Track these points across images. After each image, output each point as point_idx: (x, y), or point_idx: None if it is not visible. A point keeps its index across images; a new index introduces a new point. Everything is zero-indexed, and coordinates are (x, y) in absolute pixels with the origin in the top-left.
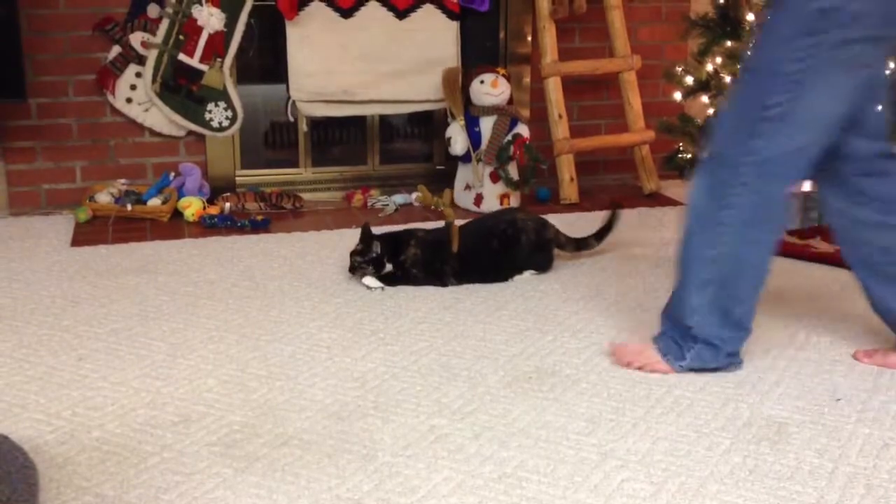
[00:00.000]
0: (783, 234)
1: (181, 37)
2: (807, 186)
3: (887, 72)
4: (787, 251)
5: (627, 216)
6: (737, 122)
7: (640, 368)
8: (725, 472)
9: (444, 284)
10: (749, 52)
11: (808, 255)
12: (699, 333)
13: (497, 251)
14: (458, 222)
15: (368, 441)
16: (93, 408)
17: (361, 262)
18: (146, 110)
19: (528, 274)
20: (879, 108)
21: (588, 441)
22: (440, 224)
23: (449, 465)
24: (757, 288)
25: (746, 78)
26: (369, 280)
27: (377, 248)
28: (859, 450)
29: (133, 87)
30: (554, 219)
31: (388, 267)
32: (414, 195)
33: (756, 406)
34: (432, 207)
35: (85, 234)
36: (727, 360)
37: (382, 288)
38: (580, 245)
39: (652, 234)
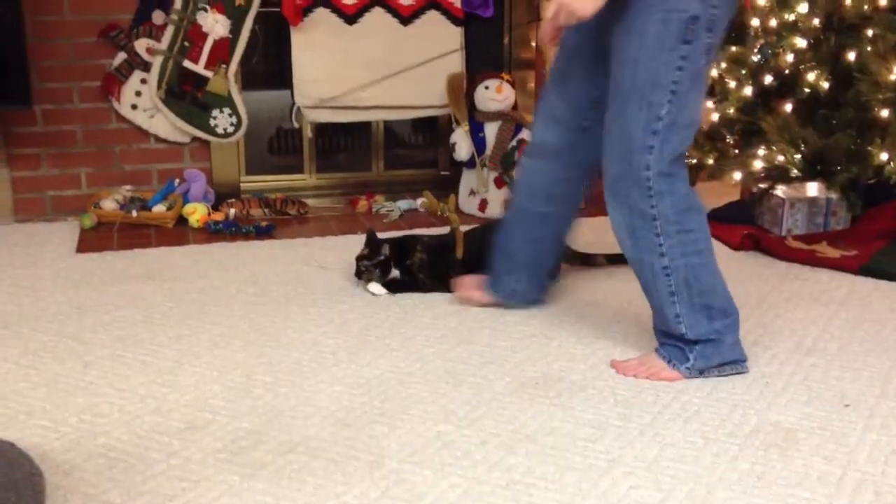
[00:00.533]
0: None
1: (186, 43)
2: (811, 191)
3: None
4: (793, 256)
5: None
6: (626, 144)
7: (647, 378)
8: (734, 478)
9: (449, 290)
10: (624, 67)
11: (813, 260)
12: (694, 336)
13: None
14: (463, 228)
15: (375, 447)
16: (99, 414)
17: (369, 265)
18: (151, 117)
19: None
20: None
21: (595, 447)
22: (445, 230)
23: (456, 472)
24: (716, 271)
25: (633, 101)
26: (374, 287)
27: (386, 250)
28: (868, 456)
29: (138, 94)
30: None
31: (394, 273)
32: (419, 201)
33: (764, 412)
34: (438, 213)
35: (90, 241)
36: (732, 349)
37: (389, 294)
38: (586, 260)
39: None
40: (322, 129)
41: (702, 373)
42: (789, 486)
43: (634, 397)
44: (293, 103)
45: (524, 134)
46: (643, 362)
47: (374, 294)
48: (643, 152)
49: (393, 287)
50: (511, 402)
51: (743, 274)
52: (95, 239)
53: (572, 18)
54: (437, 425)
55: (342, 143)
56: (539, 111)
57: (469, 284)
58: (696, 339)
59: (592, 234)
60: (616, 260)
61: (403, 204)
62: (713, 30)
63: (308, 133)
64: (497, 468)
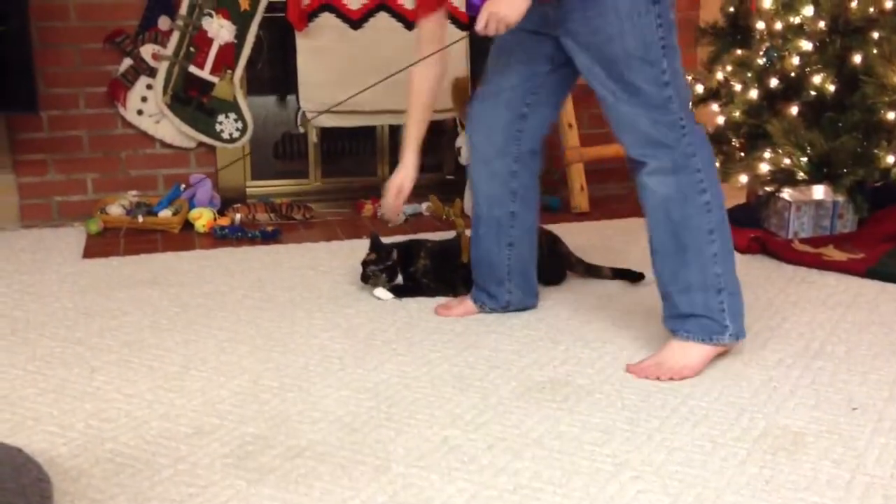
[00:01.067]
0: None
1: (192, 49)
2: (817, 194)
3: None
4: (800, 259)
5: (638, 224)
6: (646, 104)
7: (670, 379)
8: (742, 482)
9: (454, 294)
10: (612, 46)
11: (820, 263)
12: (726, 284)
13: None
14: (468, 232)
15: (382, 452)
16: (106, 420)
17: (376, 270)
18: (157, 122)
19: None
20: None
21: (603, 452)
22: (451, 234)
23: (463, 477)
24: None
25: (635, 69)
26: (381, 292)
27: (394, 255)
28: (876, 459)
29: (144, 100)
30: (565, 228)
31: (399, 278)
32: (424, 205)
33: (772, 416)
34: (443, 217)
35: (96, 246)
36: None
37: (395, 298)
38: (591, 270)
39: None
40: (327, 134)
41: (738, 338)
42: (798, 490)
43: (642, 401)
44: (298, 108)
45: None
46: (660, 363)
47: (379, 299)
48: (665, 103)
49: (399, 292)
50: (518, 407)
51: (750, 277)
52: (102, 244)
53: (502, 26)
54: (444, 430)
55: (347, 148)
56: (474, 116)
57: (456, 308)
58: (723, 287)
59: (598, 238)
60: (623, 275)
61: (408, 208)
62: None
63: (313, 138)
64: (504, 472)
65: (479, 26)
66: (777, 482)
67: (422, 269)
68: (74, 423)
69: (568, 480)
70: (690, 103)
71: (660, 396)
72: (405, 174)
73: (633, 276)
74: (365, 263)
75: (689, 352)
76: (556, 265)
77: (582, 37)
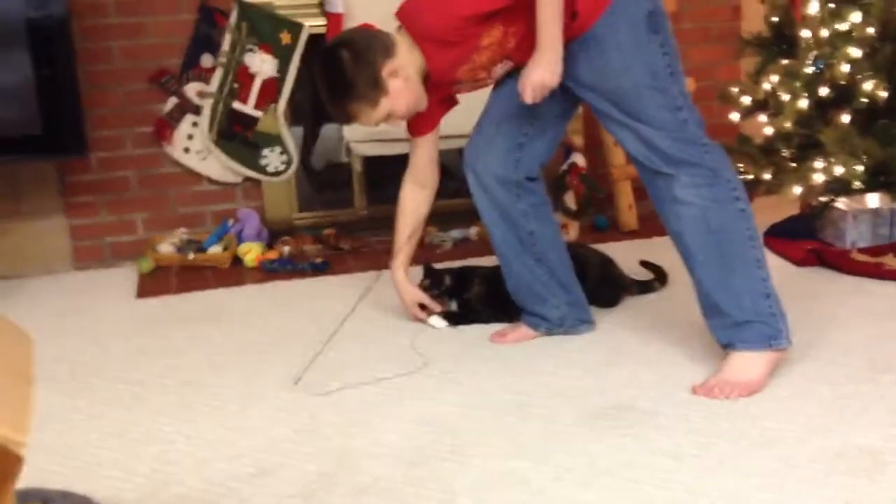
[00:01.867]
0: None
1: (235, 85)
2: (873, 202)
3: None
4: (859, 270)
5: None
6: (663, 130)
7: (739, 396)
8: None
9: (510, 320)
10: (620, 81)
11: (881, 273)
12: (771, 289)
13: None
14: None
15: (447, 486)
16: (170, 462)
17: (434, 294)
18: (203, 159)
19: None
20: None
21: (674, 479)
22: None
23: None
24: None
25: (646, 98)
26: (435, 320)
27: (448, 280)
28: None
29: (190, 137)
30: (614, 248)
31: (453, 305)
32: (471, 230)
33: (846, 435)
34: None
35: (149, 285)
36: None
37: (450, 326)
38: (644, 287)
39: None
40: (372, 162)
41: (791, 342)
42: None
43: (710, 424)
44: (342, 138)
45: (575, 157)
46: (725, 380)
47: (434, 327)
48: (682, 126)
49: (453, 319)
50: (582, 434)
51: (808, 290)
52: (154, 283)
53: (546, 90)
54: (509, 461)
55: (392, 175)
56: (471, 148)
57: (512, 335)
58: (770, 291)
59: (649, 255)
60: (663, 279)
61: (456, 233)
62: (665, 16)
63: (357, 167)
64: None
65: (528, 100)
66: None
67: (476, 295)
68: (138, 467)
69: None
70: (703, 125)
71: (727, 418)
72: (411, 297)
73: (658, 270)
74: (421, 289)
75: (751, 364)
76: (610, 288)
77: (587, 76)
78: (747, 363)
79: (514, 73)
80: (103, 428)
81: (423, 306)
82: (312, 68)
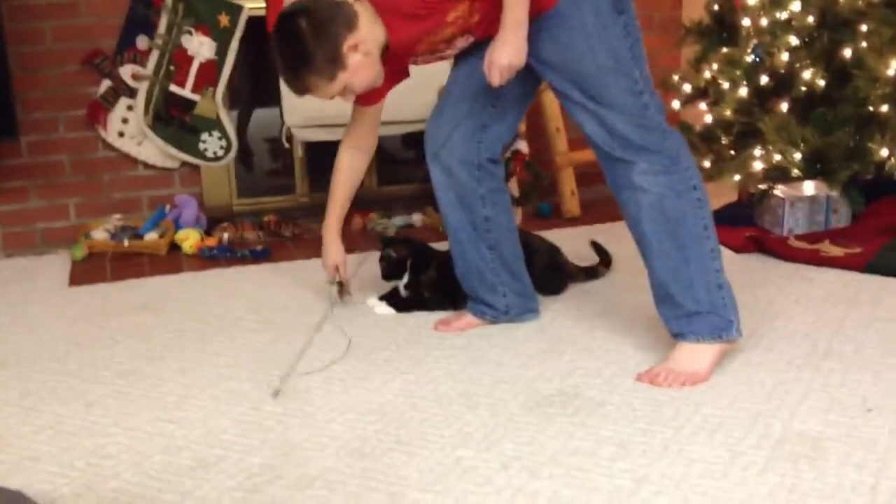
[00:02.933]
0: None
1: (172, 67)
2: (810, 190)
3: None
4: (797, 256)
5: None
6: (624, 113)
7: (683, 385)
8: (765, 492)
9: (454, 308)
10: (582, 63)
11: (818, 259)
12: (724, 280)
13: None
14: None
15: (395, 477)
16: (106, 456)
17: (391, 258)
18: (139, 143)
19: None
20: None
21: (620, 467)
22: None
23: (479, 500)
24: None
25: (608, 82)
26: (380, 308)
27: (407, 250)
28: None
29: (125, 121)
30: (558, 234)
31: (403, 280)
32: (415, 216)
33: (787, 421)
34: (440, 229)
35: (82, 273)
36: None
37: (394, 313)
38: (589, 273)
39: None
40: (313, 148)
41: (741, 333)
42: (823, 498)
43: (654, 411)
44: (283, 123)
45: (518, 144)
46: (671, 369)
47: (378, 314)
48: (643, 111)
49: (398, 307)
50: (528, 423)
51: (749, 277)
52: (88, 271)
53: (512, 71)
54: (456, 450)
55: (334, 161)
56: (433, 128)
57: (456, 322)
58: (723, 282)
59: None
60: (604, 258)
61: (398, 220)
62: None
63: (299, 152)
64: (522, 493)
65: (495, 83)
66: (801, 491)
67: (428, 278)
68: (74, 462)
69: (588, 499)
70: (663, 110)
71: (671, 405)
72: (335, 257)
73: (603, 252)
74: (384, 259)
75: (699, 354)
76: (556, 277)
77: (550, 55)
78: (696, 354)
79: (474, 52)
80: (36, 421)
81: (337, 271)
82: (270, 35)
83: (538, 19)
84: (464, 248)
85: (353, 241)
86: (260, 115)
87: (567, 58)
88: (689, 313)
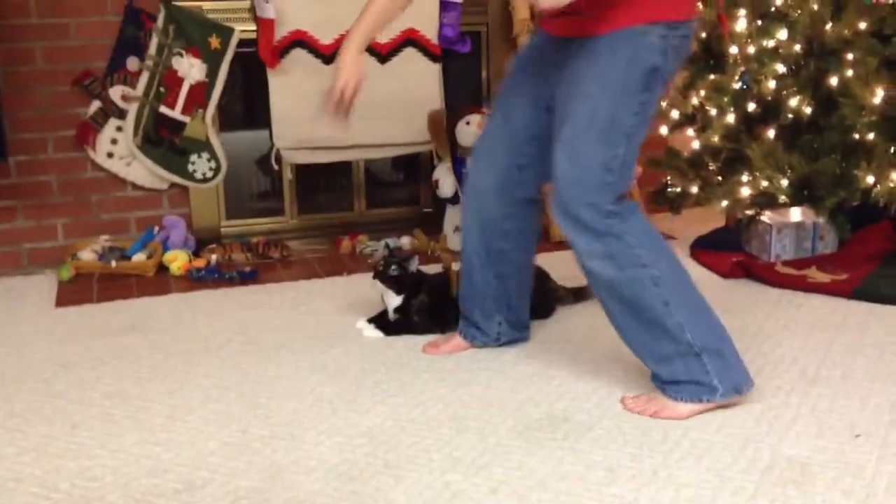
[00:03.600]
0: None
1: (162, 89)
2: (797, 216)
3: None
4: (784, 282)
5: None
6: (584, 176)
7: (653, 416)
8: None
9: (443, 331)
10: (581, 101)
11: (805, 285)
12: (700, 343)
13: None
14: (455, 266)
15: (383, 501)
16: (92, 479)
17: (393, 263)
18: (128, 164)
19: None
20: None
21: (609, 491)
22: (436, 268)
23: None
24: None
25: (590, 135)
26: (369, 330)
27: (412, 266)
28: (885, 488)
29: (114, 142)
30: (546, 258)
31: (396, 301)
32: (404, 239)
33: (776, 446)
34: (429, 252)
35: (69, 294)
36: (740, 365)
37: (383, 336)
38: (578, 295)
39: None
40: (302, 170)
41: (738, 392)
42: None
43: (643, 436)
44: (272, 145)
45: None
46: (652, 398)
47: (367, 336)
48: (602, 188)
49: (387, 330)
50: (518, 447)
51: (736, 302)
52: (75, 291)
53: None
54: (445, 474)
55: (323, 184)
56: (476, 151)
57: (444, 345)
58: (701, 350)
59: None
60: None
61: (387, 242)
62: (665, 83)
63: (288, 175)
64: None
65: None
66: None
67: (420, 303)
68: (59, 484)
69: None
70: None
71: (660, 430)
72: (354, 73)
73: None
74: (379, 265)
75: (679, 406)
76: (545, 302)
77: (570, 73)
78: (676, 405)
79: (518, 91)
80: (20, 442)
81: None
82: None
83: (576, 40)
84: (473, 272)
85: (341, 264)
86: (248, 137)
87: (576, 82)
88: (666, 381)
